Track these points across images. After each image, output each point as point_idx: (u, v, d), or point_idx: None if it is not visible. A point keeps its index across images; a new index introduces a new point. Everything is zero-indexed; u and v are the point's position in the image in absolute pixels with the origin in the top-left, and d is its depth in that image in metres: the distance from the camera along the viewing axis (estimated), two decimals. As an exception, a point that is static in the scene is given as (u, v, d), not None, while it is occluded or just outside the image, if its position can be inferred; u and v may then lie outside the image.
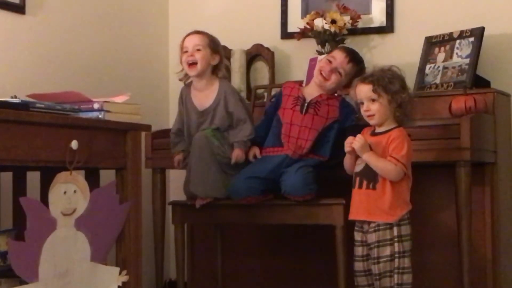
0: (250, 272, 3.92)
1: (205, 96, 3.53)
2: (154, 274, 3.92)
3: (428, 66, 3.82)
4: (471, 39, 3.70)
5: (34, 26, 3.66)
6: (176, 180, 4.21)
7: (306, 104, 3.45)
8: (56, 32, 3.79)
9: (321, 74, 3.48)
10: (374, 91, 3.05)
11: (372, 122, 3.10)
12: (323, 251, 3.59)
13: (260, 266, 3.93)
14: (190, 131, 3.54)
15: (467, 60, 3.67)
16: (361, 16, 4.06)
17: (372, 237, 3.04)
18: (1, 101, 2.60)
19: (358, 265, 3.09)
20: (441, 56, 3.81)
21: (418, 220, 3.24)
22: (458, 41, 3.76)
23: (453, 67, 3.72)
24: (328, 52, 3.94)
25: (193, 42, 3.49)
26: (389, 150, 3.03)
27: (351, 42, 4.06)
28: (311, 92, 3.50)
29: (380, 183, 3.03)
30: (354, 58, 3.52)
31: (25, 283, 2.62)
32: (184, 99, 3.59)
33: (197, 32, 3.53)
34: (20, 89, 3.11)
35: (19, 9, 3.58)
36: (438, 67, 3.79)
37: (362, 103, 3.10)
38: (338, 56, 3.49)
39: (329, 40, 3.99)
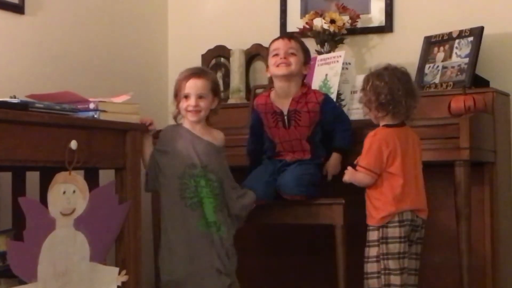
0: (250, 271, 3.92)
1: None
2: (153, 274, 3.92)
3: (427, 66, 3.82)
4: (470, 38, 3.70)
5: (33, 26, 3.66)
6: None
7: (286, 117, 3.41)
8: (55, 32, 3.79)
9: (277, 66, 3.42)
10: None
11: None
12: (323, 250, 3.59)
13: (260, 266, 3.93)
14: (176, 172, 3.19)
15: (466, 60, 3.67)
16: (360, 16, 4.06)
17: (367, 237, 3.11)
18: (0, 101, 2.60)
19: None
20: (440, 55, 3.80)
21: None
22: (457, 41, 3.76)
23: (452, 67, 3.72)
24: (327, 52, 3.94)
25: (195, 87, 3.22)
26: None
27: (350, 42, 4.06)
28: (281, 101, 3.44)
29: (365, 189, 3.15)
30: (290, 35, 3.60)
31: (24, 283, 2.62)
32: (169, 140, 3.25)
33: (201, 75, 3.25)
34: (19, 89, 3.10)
35: (18, 9, 3.58)
36: (437, 66, 3.79)
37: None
38: (278, 44, 3.45)
39: (328, 40, 3.99)
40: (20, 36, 3.59)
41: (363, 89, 3.17)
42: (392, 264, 3.04)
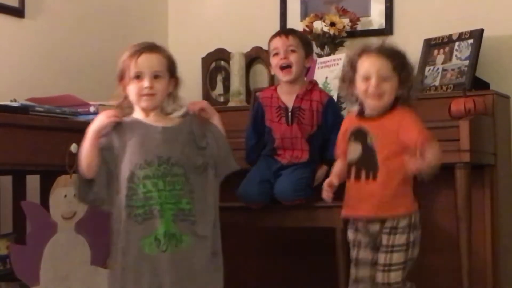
0: (250, 274, 3.92)
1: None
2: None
3: (427, 68, 3.82)
4: (470, 41, 3.71)
5: (33, 30, 3.67)
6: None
7: (290, 114, 3.40)
8: (55, 35, 3.79)
9: (281, 69, 3.38)
10: (393, 68, 2.76)
11: (374, 103, 2.78)
12: (323, 253, 3.59)
13: (260, 268, 3.93)
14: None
15: (466, 62, 3.67)
16: (360, 19, 4.06)
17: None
18: (0, 104, 2.60)
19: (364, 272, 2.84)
20: (440, 58, 3.81)
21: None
22: (457, 43, 3.76)
23: (452, 69, 3.72)
24: (327, 55, 3.95)
25: (150, 65, 2.62)
26: (404, 131, 2.74)
27: (350, 45, 4.06)
28: (287, 96, 3.41)
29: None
30: (287, 31, 3.50)
31: (26, 286, 2.62)
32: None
33: (154, 50, 2.67)
34: (20, 93, 3.11)
35: (18, 13, 3.58)
36: (437, 69, 3.79)
37: (368, 78, 2.76)
38: (277, 43, 3.41)
39: (328, 42, 3.99)
40: (20, 40, 3.59)
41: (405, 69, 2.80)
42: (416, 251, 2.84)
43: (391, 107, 2.78)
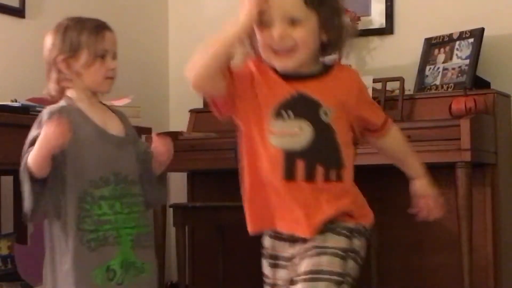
0: (251, 274, 3.92)
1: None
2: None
3: (428, 68, 3.82)
4: (471, 40, 3.70)
5: (33, 30, 3.66)
6: (176, 182, 4.20)
7: None
8: (56, 35, 3.79)
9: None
10: (307, 3, 1.86)
11: (283, 64, 1.88)
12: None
13: (260, 269, 3.92)
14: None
15: (467, 61, 3.67)
16: (361, 18, 4.05)
17: None
18: (1, 105, 2.60)
19: None
20: (441, 57, 3.80)
21: (418, 222, 3.22)
22: (458, 42, 3.76)
23: (453, 68, 3.72)
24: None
25: (114, 44, 2.32)
26: (364, 102, 1.97)
27: (351, 44, 4.05)
28: None
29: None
30: None
31: (29, 286, 2.62)
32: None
33: (111, 29, 2.38)
34: (20, 93, 3.11)
35: (19, 13, 3.58)
36: (438, 68, 3.79)
37: (269, 25, 1.85)
38: None
39: (328, 42, 3.98)
40: (20, 40, 3.59)
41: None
42: None
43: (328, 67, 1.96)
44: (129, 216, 2.18)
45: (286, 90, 1.88)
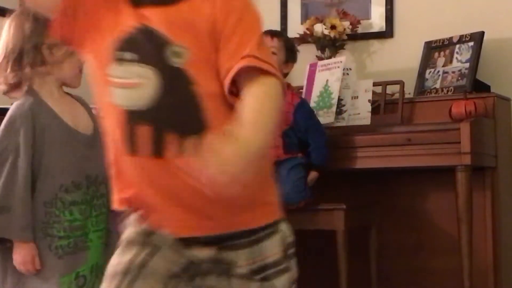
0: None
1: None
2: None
3: (428, 71, 3.82)
4: (471, 43, 3.71)
5: None
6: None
7: None
8: (56, 39, 3.79)
9: None
10: None
11: None
12: (324, 256, 3.59)
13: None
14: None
15: (467, 65, 3.67)
16: (361, 21, 4.06)
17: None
18: (0, 108, 2.60)
19: None
20: (441, 60, 3.81)
21: (418, 225, 3.24)
22: (457, 46, 3.76)
23: (453, 72, 3.72)
24: (328, 58, 3.95)
25: None
26: (228, 35, 1.38)
27: (351, 48, 4.06)
28: None
29: None
30: (274, 32, 3.45)
31: None
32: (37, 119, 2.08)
33: None
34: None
35: (19, 16, 3.58)
36: (438, 71, 3.79)
37: None
38: None
39: (328, 45, 3.99)
40: (21, 43, 3.59)
41: None
42: None
43: None
44: (97, 218, 2.10)
45: (131, 20, 1.38)
